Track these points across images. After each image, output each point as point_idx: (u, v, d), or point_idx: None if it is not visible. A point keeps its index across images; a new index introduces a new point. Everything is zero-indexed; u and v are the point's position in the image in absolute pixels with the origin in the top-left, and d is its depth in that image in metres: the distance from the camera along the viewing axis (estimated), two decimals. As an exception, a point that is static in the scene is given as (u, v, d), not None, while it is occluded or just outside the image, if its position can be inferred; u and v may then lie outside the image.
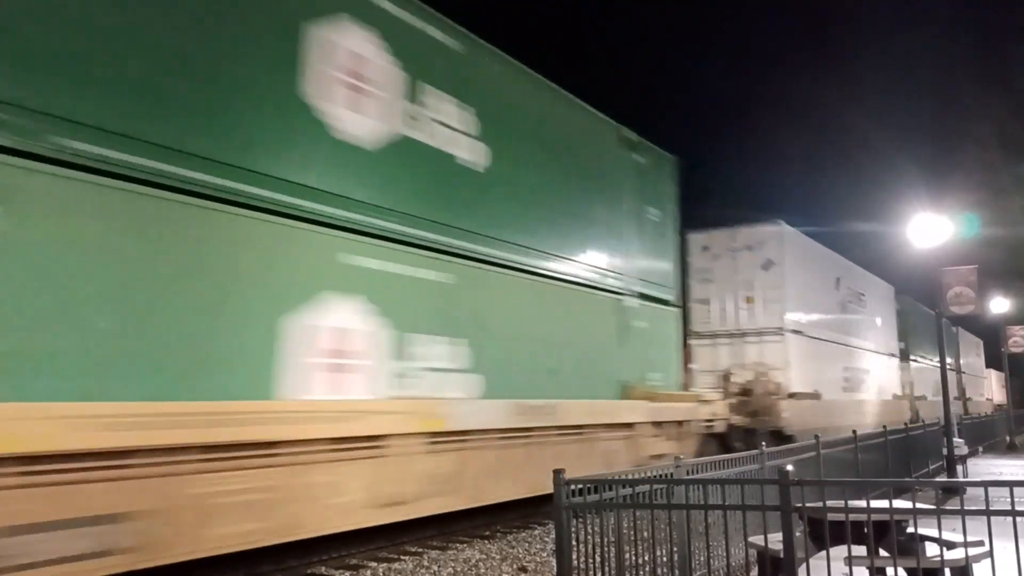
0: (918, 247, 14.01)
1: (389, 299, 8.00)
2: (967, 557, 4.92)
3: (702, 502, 5.24)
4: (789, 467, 4.82)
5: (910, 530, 5.17)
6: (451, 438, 8.59)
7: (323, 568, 7.85)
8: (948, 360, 24.50)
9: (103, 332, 5.67)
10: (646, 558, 5.32)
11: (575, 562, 5.16)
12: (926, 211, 13.78)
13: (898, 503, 5.47)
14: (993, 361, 51.23)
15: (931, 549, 5.09)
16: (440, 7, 8.99)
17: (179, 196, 6.22)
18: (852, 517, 4.65)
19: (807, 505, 4.68)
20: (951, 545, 5.03)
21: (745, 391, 16.10)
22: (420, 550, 8.65)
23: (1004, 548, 4.39)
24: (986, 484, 4.25)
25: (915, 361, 30.79)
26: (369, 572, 7.77)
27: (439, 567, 7.93)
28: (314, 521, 7.13)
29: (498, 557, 8.39)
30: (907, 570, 4.96)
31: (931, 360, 31.28)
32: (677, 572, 5.50)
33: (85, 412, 5.37)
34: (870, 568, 5.01)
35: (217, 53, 6.69)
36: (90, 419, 5.37)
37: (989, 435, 24.09)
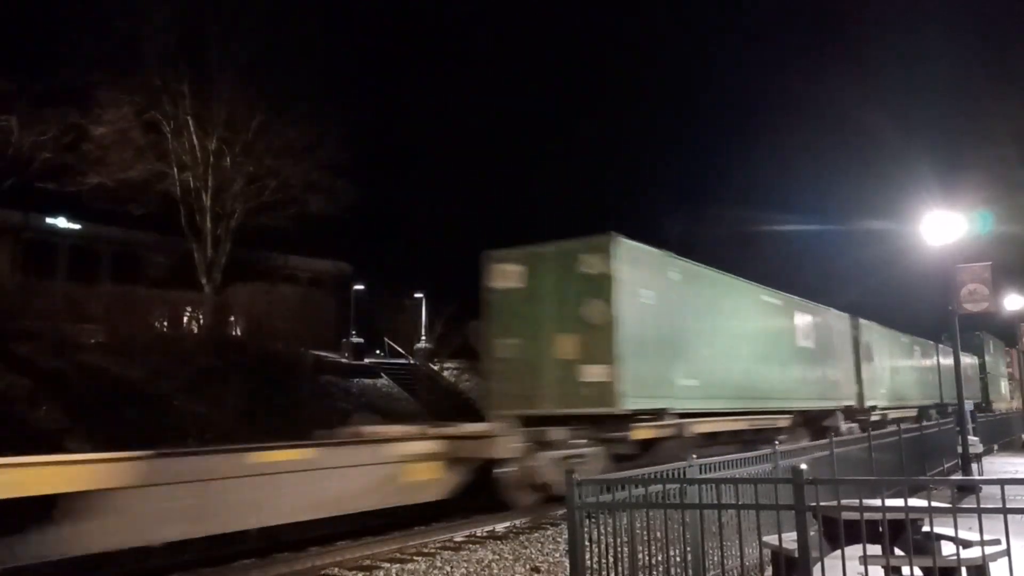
0: (932, 244, 13.91)
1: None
2: (983, 556, 4.87)
3: (715, 501, 5.22)
4: (803, 466, 4.78)
5: (925, 529, 5.14)
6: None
7: (336, 569, 7.87)
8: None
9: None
10: (659, 558, 5.31)
11: (588, 562, 5.15)
12: (940, 208, 13.67)
13: (913, 502, 5.43)
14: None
15: (947, 548, 5.04)
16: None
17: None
18: (867, 516, 4.62)
19: (821, 504, 4.65)
20: (967, 544, 4.99)
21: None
22: (433, 551, 8.66)
23: (1021, 547, 4.36)
24: (1002, 482, 4.21)
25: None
26: (382, 573, 7.79)
27: (452, 568, 7.94)
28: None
29: (511, 558, 8.39)
30: (923, 569, 4.93)
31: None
32: (691, 572, 5.48)
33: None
34: (885, 567, 4.98)
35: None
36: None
37: (1005, 433, 23.92)
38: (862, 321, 23.58)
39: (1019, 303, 27.53)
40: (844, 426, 20.49)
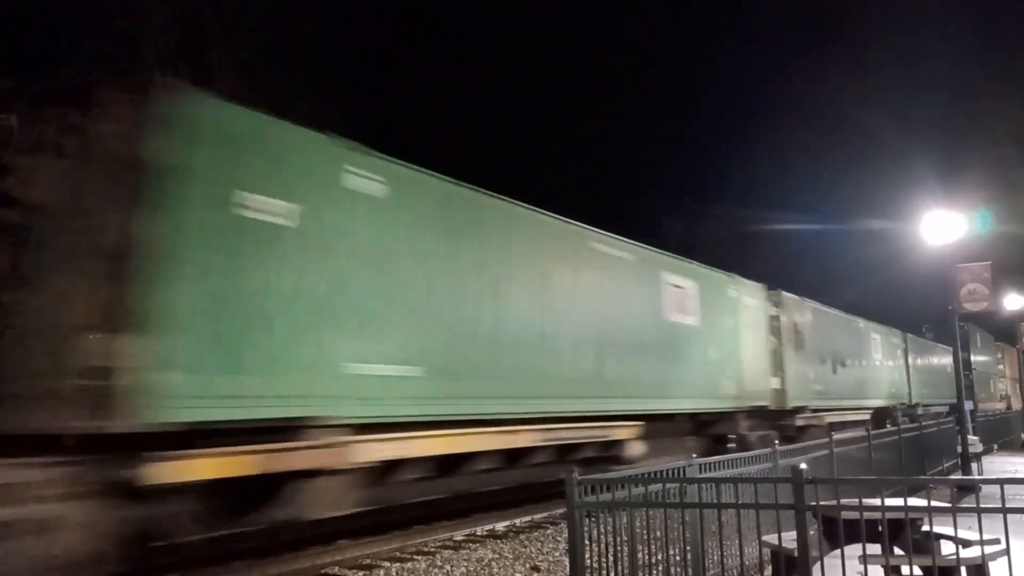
0: (931, 244, 13.92)
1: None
2: (983, 555, 4.88)
3: (715, 501, 5.23)
4: (803, 465, 4.79)
5: (925, 528, 5.14)
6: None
7: (336, 568, 7.87)
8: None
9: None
10: (659, 557, 5.32)
11: (588, 561, 5.15)
12: (939, 207, 13.69)
13: (913, 501, 5.43)
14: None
15: (946, 547, 5.05)
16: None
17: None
18: (866, 515, 4.63)
19: (821, 503, 4.66)
20: (967, 543, 5.00)
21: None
22: (433, 549, 8.67)
23: (1021, 546, 4.36)
24: (1002, 482, 4.22)
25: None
26: (382, 572, 7.79)
27: (452, 567, 7.94)
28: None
29: (511, 556, 8.40)
30: (922, 568, 4.93)
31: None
32: (690, 571, 5.49)
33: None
34: (885, 567, 4.99)
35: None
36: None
37: (1004, 432, 23.92)
38: (785, 296, 18.09)
39: (1019, 303, 27.55)
40: (754, 435, 15.36)
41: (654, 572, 5.32)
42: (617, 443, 11.70)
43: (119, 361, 6.00)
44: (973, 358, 37.53)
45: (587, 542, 5.17)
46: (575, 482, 5.12)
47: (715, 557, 5.88)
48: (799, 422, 17.74)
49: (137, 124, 6.40)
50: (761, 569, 6.26)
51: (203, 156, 6.74)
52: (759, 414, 15.98)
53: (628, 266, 12.58)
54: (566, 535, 5.52)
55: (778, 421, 16.74)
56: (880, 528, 4.57)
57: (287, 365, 7.12)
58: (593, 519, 5.22)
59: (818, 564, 4.84)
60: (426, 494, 9.24)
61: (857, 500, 4.73)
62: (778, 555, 5.55)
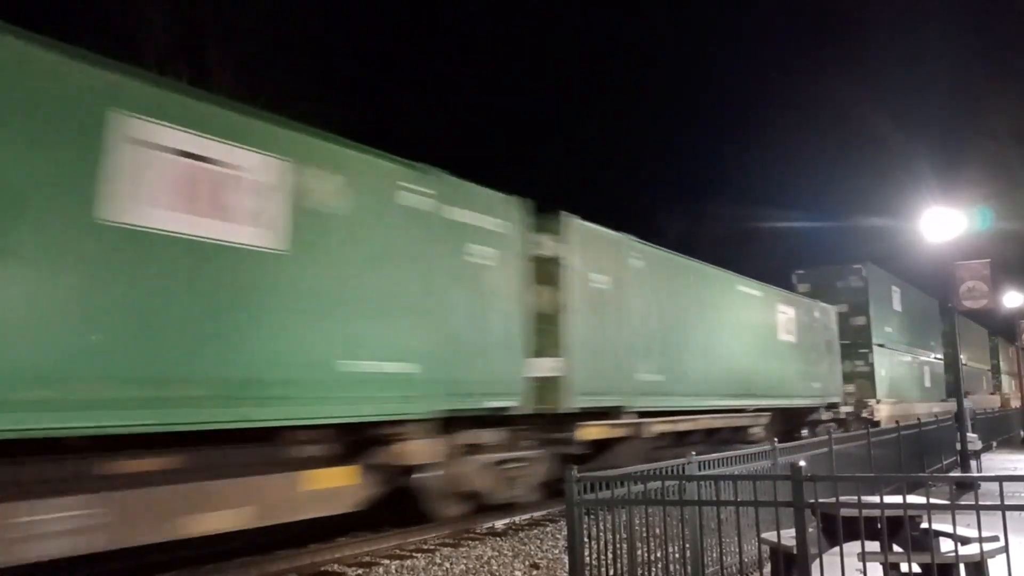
0: (930, 241, 13.92)
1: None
2: (982, 552, 4.88)
3: (714, 498, 5.23)
4: (802, 463, 4.80)
5: (924, 526, 5.15)
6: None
7: (335, 566, 7.88)
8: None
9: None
10: (658, 555, 5.32)
11: (587, 559, 5.16)
12: (939, 205, 13.69)
13: (912, 498, 5.44)
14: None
15: (945, 545, 5.06)
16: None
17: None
18: (866, 513, 4.63)
19: (820, 501, 4.66)
20: (965, 540, 5.00)
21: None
22: (432, 547, 8.68)
23: (1019, 543, 4.36)
24: (1001, 479, 4.22)
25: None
26: (382, 569, 7.80)
27: (451, 564, 7.95)
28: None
29: (510, 554, 8.40)
30: (921, 566, 4.94)
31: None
32: (689, 569, 5.49)
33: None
34: (884, 564, 4.99)
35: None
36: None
37: (1003, 430, 23.93)
38: None
39: (1018, 300, 27.51)
40: None
41: (653, 570, 5.33)
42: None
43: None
44: (883, 330, 22.01)
45: (586, 540, 5.18)
46: (574, 479, 5.12)
47: (714, 554, 5.89)
48: None
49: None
50: (760, 567, 6.26)
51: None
52: None
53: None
54: (565, 533, 5.52)
55: None
56: (879, 525, 4.57)
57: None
58: (592, 517, 5.23)
59: (817, 561, 4.84)
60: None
61: (856, 497, 4.73)
62: (777, 552, 5.56)
